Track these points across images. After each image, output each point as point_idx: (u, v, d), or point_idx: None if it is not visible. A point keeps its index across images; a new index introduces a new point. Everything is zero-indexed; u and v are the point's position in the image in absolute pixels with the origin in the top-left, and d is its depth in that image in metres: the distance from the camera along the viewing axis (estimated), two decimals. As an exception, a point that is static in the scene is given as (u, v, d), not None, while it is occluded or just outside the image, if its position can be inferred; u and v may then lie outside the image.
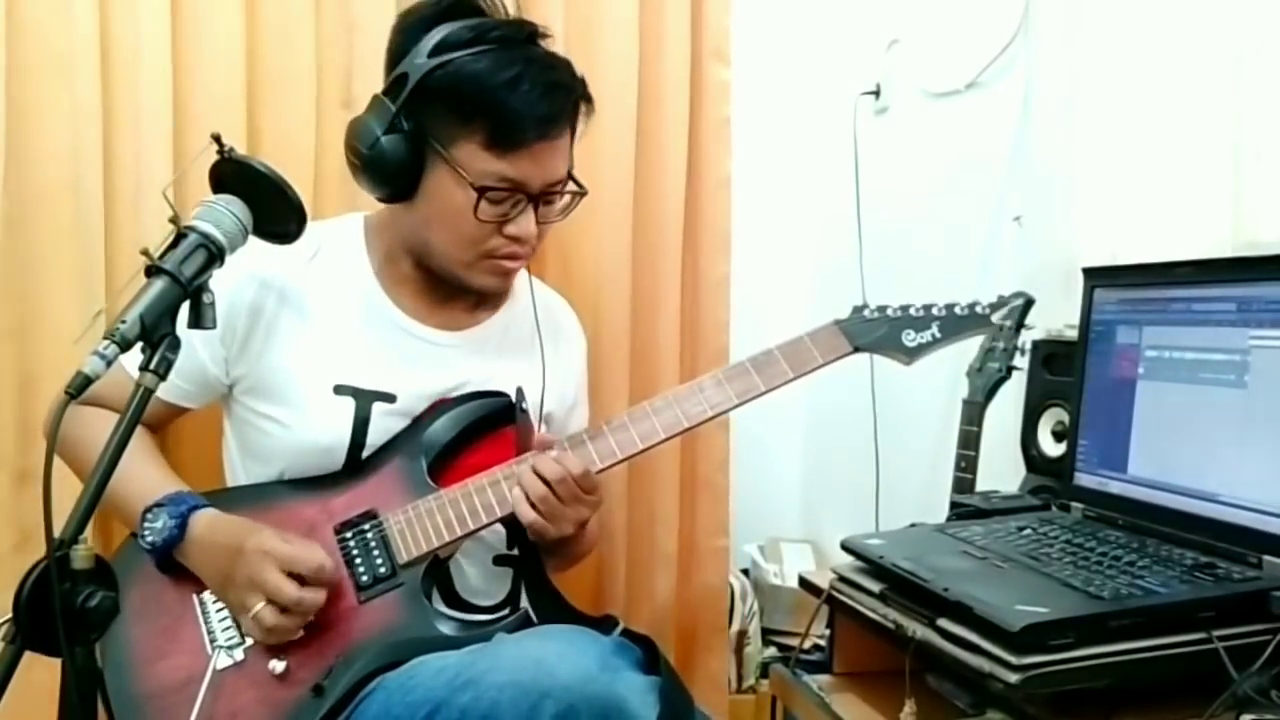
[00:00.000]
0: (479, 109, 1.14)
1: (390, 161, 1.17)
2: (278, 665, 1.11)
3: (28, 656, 0.78)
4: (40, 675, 0.85)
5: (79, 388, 0.80)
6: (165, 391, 1.19)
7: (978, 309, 1.24)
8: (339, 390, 1.21)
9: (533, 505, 1.15)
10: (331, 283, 1.25)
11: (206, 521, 1.14)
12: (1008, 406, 1.44)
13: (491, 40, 1.16)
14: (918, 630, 0.99)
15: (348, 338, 1.24)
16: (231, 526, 1.14)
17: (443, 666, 1.04)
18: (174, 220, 0.95)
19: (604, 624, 1.19)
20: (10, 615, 0.78)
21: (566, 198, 1.24)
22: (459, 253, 1.22)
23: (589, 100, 1.23)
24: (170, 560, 1.15)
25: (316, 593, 1.10)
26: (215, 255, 0.95)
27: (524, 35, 1.20)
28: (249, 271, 1.19)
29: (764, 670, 1.91)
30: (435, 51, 1.15)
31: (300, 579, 1.09)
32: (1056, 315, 1.39)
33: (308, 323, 1.23)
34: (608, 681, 0.98)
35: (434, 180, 1.18)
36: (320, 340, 1.22)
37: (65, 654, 0.77)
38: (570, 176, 1.23)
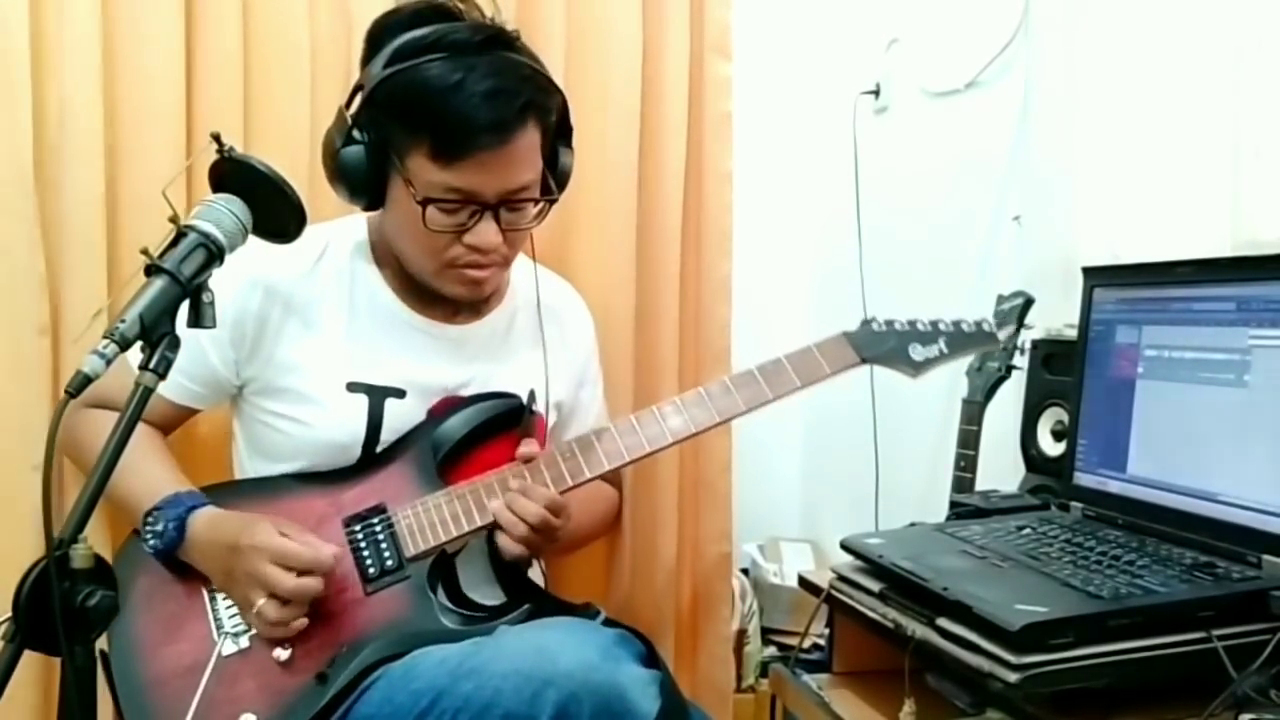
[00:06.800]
0: (422, 120, 1.11)
1: (350, 173, 1.16)
2: (282, 653, 1.12)
3: (27, 658, 0.78)
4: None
5: (79, 386, 0.80)
6: (176, 394, 1.22)
7: (984, 326, 1.24)
8: (352, 388, 1.22)
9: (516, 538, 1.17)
10: (338, 282, 1.25)
11: (205, 521, 1.15)
12: (1007, 406, 1.44)
13: (443, 47, 1.11)
14: (917, 629, 0.99)
15: (356, 335, 1.24)
16: (229, 524, 1.14)
17: (445, 657, 1.05)
18: (174, 219, 0.95)
19: (584, 612, 1.20)
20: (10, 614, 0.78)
21: (537, 204, 1.20)
22: (424, 263, 1.21)
23: (545, 103, 1.16)
24: (176, 559, 1.16)
25: (314, 581, 1.10)
26: (215, 254, 0.95)
27: (477, 40, 1.13)
28: (255, 275, 1.19)
29: (763, 669, 1.91)
30: (390, 61, 1.12)
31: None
32: (1056, 315, 1.39)
33: (316, 322, 1.23)
34: (610, 671, 0.99)
35: (395, 190, 1.17)
36: (330, 339, 1.23)
37: (65, 653, 0.77)
38: (546, 181, 1.20)
